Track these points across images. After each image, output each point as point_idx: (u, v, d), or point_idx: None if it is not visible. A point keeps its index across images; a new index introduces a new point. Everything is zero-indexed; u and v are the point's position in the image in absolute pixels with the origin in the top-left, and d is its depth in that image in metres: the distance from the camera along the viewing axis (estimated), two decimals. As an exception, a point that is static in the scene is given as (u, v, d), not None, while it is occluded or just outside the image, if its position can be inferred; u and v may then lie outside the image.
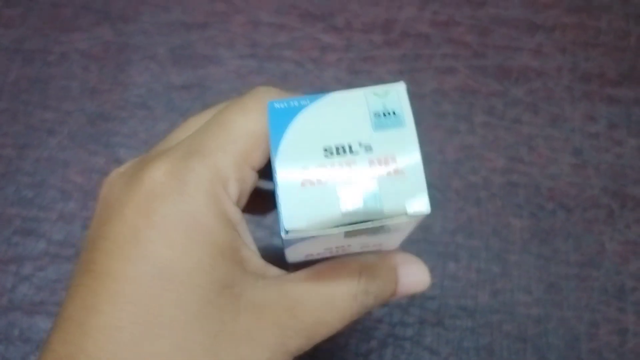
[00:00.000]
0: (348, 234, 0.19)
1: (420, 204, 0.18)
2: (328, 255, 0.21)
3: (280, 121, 0.19)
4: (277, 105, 0.19)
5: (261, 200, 0.25)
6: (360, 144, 0.19)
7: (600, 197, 0.37)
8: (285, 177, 0.18)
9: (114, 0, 0.38)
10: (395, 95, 0.20)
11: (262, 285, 0.19)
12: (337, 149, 0.19)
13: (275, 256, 0.22)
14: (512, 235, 0.36)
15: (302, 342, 0.19)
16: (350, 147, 0.19)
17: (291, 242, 0.19)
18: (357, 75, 0.38)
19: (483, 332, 0.34)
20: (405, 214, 0.18)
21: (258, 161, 0.20)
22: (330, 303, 0.20)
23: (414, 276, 0.23)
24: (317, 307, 0.20)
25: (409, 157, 0.19)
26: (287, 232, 0.17)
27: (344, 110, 0.19)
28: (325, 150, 0.19)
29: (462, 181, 0.37)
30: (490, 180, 0.37)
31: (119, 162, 0.36)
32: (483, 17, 0.39)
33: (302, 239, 0.18)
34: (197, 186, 0.18)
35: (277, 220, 0.23)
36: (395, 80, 0.38)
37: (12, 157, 0.35)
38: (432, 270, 0.35)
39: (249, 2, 0.39)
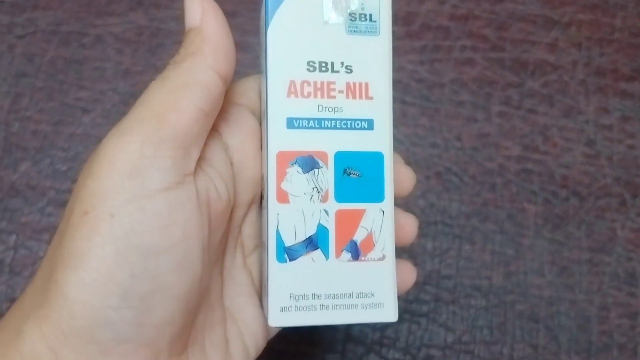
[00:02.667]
0: None
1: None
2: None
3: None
4: None
5: None
6: (342, 64, 0.21)
7: (613, 186, 0.38)
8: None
9: (147, -13, 0.40)
10: None
11: None
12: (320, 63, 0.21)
13: None
14: (526, 220, 0.37)
15: None
16: (332, 65, 0.21)
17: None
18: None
19: (496, 312, 0.35)
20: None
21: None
22: None
23: None
24: None
25: (381, 84, 0.21)
26: None
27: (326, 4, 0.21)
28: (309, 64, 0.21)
29: (478, 167, 0.38)
30: (505, 167, 0.38)
31: (149, 140, 0.37)
32: (501, 11, 0.41)
33: None
34: None
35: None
36: (415, 67, 0.39)
37: (47, 132, 0.37)
38: (448, 252, 0.36)
39: (276, -8, 0.41)
